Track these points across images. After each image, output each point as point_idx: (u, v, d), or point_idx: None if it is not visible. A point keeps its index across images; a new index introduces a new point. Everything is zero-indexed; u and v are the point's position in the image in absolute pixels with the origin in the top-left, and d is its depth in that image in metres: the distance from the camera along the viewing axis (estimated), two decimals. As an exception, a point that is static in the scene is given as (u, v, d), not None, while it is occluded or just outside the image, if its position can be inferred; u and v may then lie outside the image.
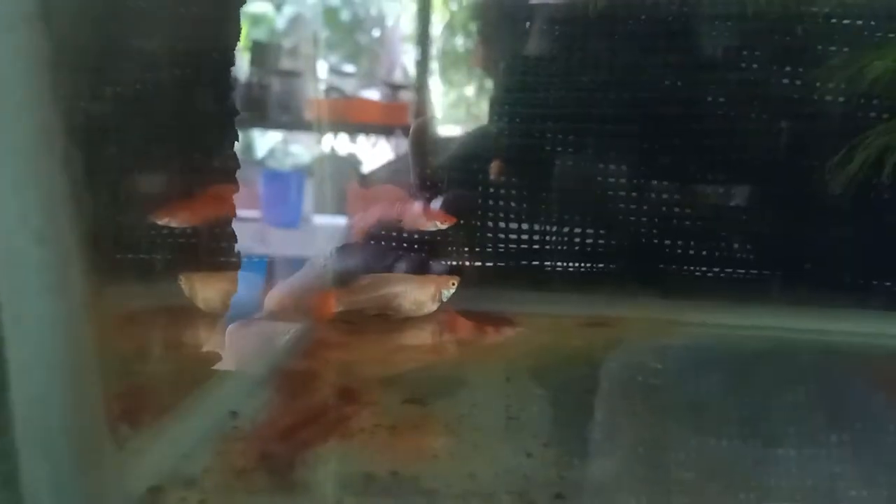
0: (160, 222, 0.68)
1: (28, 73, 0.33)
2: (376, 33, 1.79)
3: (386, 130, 1.61)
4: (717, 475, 0.46)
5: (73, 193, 0.34)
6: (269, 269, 0.84)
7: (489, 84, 0.87)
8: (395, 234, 0.82)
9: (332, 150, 1.74)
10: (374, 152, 1.66)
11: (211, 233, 0.70)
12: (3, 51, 0.32)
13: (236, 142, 0.71)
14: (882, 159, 0.63)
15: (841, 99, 0.73)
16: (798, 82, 0.74)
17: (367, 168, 1.63)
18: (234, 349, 0.61)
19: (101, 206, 0.56)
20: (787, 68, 0.75)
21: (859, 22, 0.72)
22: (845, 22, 0.72)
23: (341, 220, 1.29)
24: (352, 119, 1.59)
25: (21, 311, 0.34)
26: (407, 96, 1.67)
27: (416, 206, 0.80)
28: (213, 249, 0.70)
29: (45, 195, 0.33)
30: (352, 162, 1.51)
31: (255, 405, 0.53)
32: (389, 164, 1.63)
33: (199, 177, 0.69)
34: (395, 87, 1.73)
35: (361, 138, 1.69)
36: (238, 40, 0.66)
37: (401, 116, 1.62)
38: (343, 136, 1.54)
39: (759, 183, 0.78)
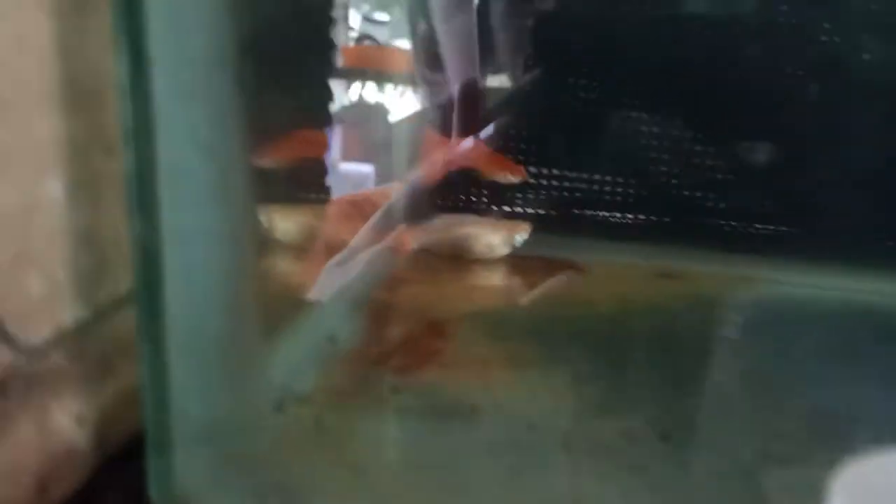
0: (259, 163, 0.68)
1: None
2: (408, -19, 1.76)
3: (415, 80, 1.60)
4: (817, 425, 0.47)
5: (242, 107, 0.34)
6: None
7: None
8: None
9: (360, 97, 1.73)
10: (401, 102, 1.65)
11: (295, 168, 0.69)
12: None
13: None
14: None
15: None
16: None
17: (395, 117, 1.62)
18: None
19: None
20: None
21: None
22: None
23: (368, 168, 1.29)
24: (383, 67, 1.57)
25: (181, 222, 0.35)
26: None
27: (489, 156, 0.80)
28: (297, 183, 0.70)
29: (215, 108, 0.34)
30: (380, 110, 1.50)
31: (351, 331, 0.54)
32: (420, 113, 1.62)
33: (297, 119, 0.68)
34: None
35: (389, 87, 1.67)
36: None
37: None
38: (371, 85, 1.53)
39: (836, 140, 0.76)
